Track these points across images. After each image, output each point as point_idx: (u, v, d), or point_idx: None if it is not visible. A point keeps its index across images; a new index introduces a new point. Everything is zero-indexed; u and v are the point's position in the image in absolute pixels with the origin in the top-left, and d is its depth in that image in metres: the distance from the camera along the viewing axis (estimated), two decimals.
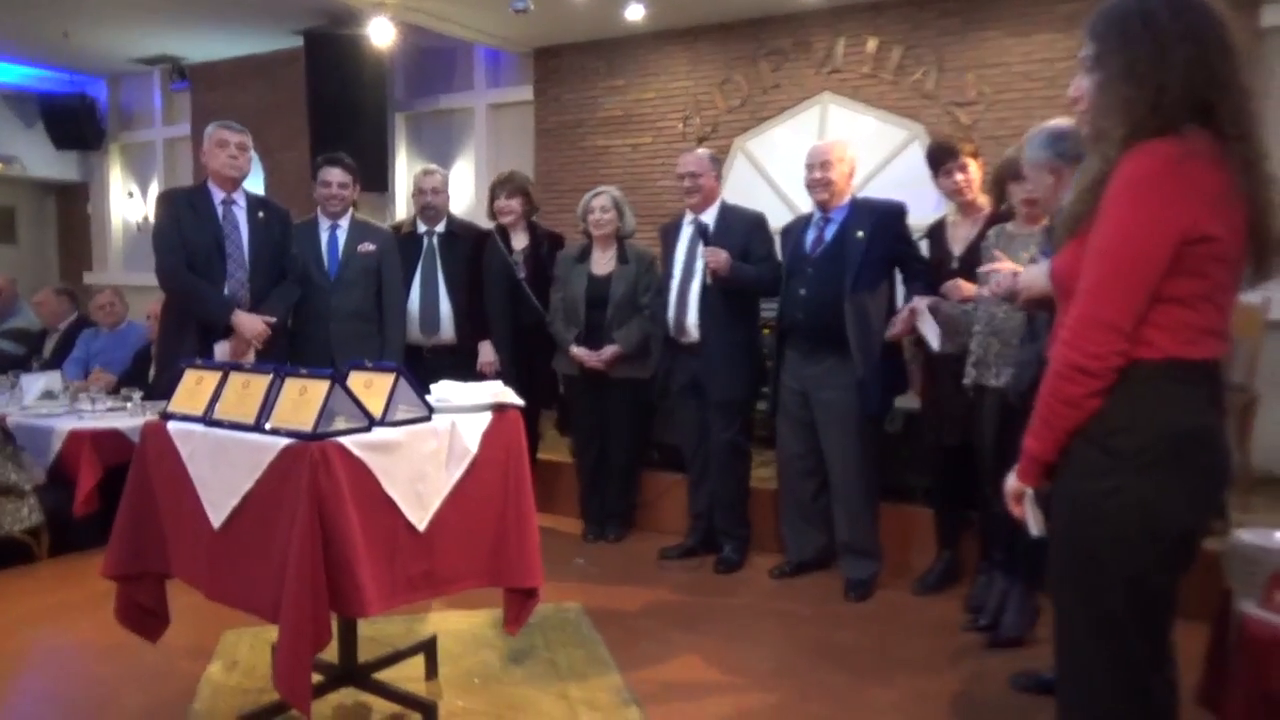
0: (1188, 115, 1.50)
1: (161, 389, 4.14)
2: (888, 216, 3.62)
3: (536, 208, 4.54)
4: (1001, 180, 3.16)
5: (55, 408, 4.31)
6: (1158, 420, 1.52)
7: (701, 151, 4.09)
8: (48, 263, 9.36)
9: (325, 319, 4.02)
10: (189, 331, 3.74)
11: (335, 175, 4.12)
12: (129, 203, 8.76)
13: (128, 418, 4.08)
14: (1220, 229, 1.49)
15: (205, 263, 3.74)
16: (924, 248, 3.72)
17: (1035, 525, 1.67)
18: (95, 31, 6.84)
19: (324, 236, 4.12)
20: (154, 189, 8.38)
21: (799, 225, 3.83)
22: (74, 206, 9.22)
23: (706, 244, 3.79)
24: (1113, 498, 1.53)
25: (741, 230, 3.90)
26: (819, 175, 3.63)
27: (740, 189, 5.41)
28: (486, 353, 4.33)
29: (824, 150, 3.67)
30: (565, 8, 5.37)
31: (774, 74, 5.73)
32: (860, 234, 3.56)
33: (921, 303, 3.31)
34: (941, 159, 3.48)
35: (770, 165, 5.76)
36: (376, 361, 2.64)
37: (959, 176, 3.43)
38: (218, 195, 3.81)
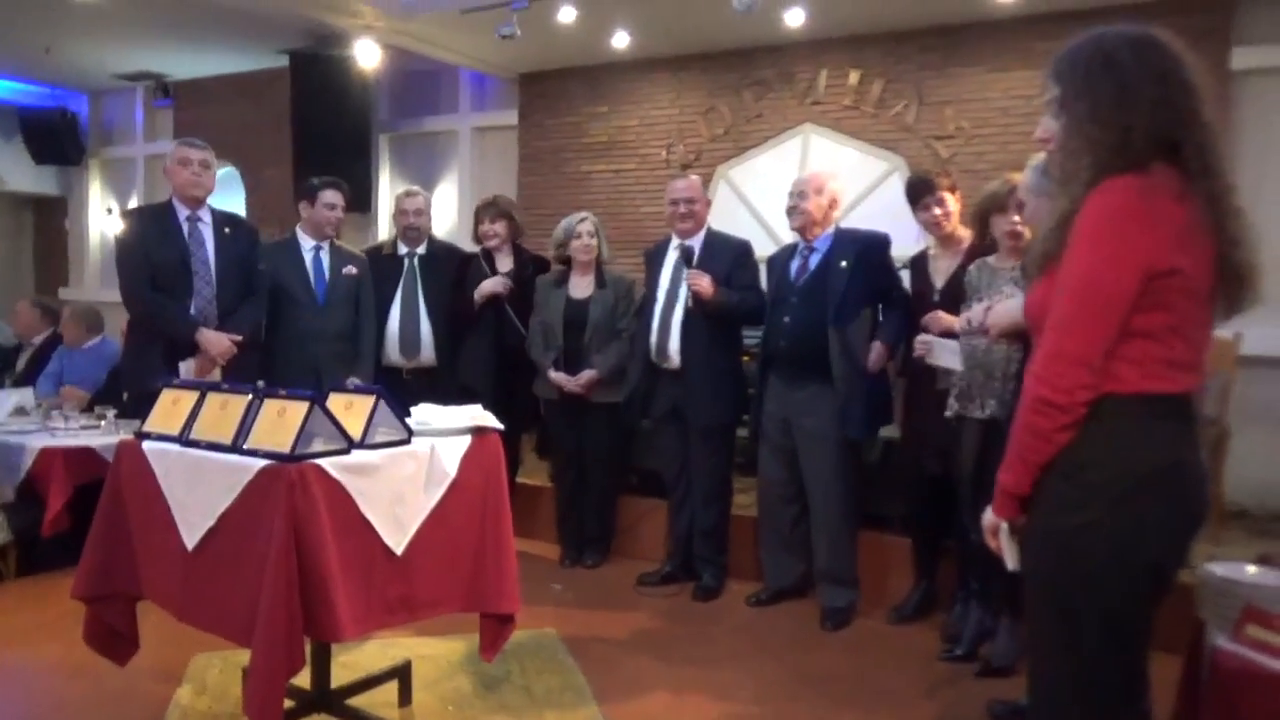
0: (1154, 154, 1.52)
1: (130, 408, 4.10)
2: (871, 247, 3.66)
3: (521, 231, 4.55)
4: (984, 214, 3.19)
5: (27, 425, 4.24)
6: (1128, 455, 1.52)
7: (695, 178, 4.11)
8: (23, 277, 9.26)
9: (314, 341, 4.00)
10: (155, 350, 3.71)
11: (338, 198, 4.16)
12: (107, 219, 8.69)
13: (100, 436, 4.02)
14: (1186, 262, 1.50)
15: (171, 280, 3.72)
16: (905, 278, 3.76)
17: (1011, 559, 1.68)
18: (78, 47, 6.82)
19: (308, 258, 4.11)
20: (133, 205, 8.33)
21: (785, 254, 3.86)
22: (51, 221, 9.14)
23: (689, 267, 3.81)
24: (1084, 532, 1.53)
25: (726, 257, 3.92)
26: (793, 204, 3.69)
27: (723, 217, 5.44)
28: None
29: (803, 180, 3.73)
30: (551, 34, 5.41)
31: (757, 104, 5.80)
32: (844, 263, 3.60)
33: (931, 335, 3.18)
34: (920, 193, 3.53)
35: (752, 194, 5.81)
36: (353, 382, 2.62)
37: (937, 210, 3.47)
38: (183, 212, 3.80)
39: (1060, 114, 1.62)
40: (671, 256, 4.01)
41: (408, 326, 4.34)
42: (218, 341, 3.69)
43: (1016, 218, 3.01)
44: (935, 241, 3.60)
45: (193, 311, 3.72)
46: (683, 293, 3.87)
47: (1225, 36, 4.56)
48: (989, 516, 1.69)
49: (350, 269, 4.16)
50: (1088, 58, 1.58)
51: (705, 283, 3.74)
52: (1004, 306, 2.56)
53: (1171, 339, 1.53)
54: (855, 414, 3.57)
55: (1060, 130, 1.63)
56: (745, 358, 4.14)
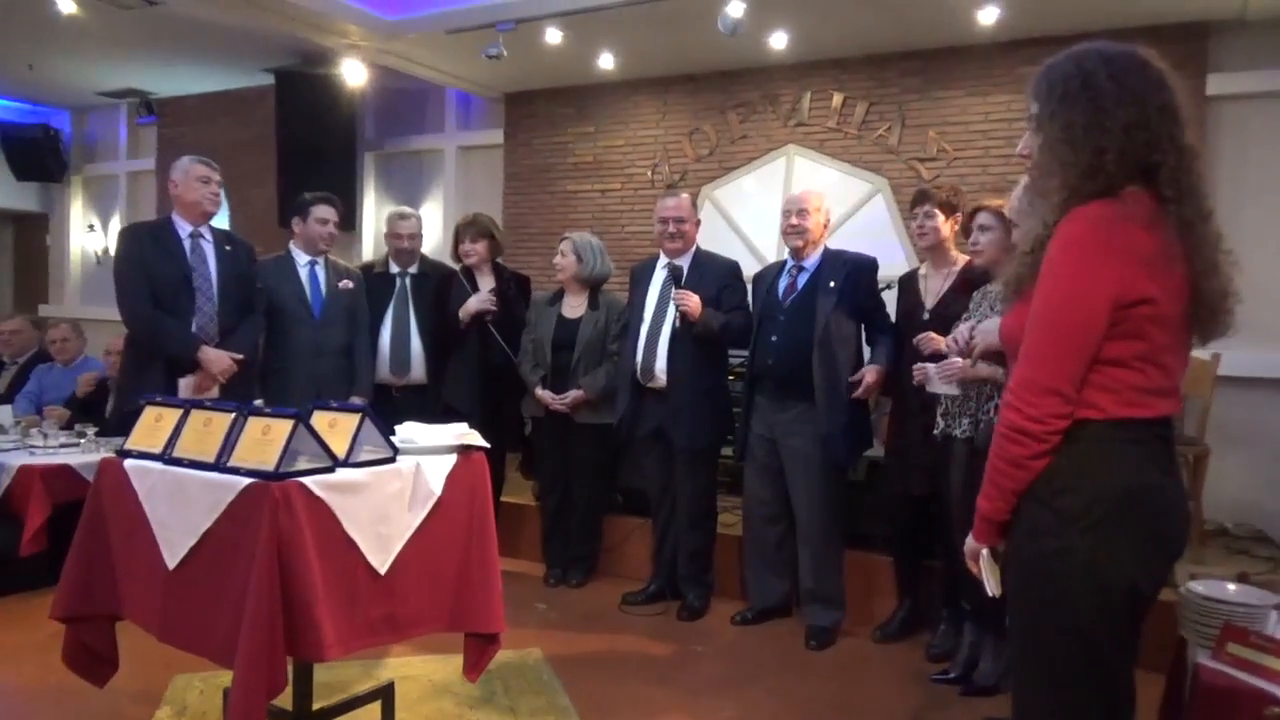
0: (1128, 177, 1.52)
1: (118, 424, 4.06)
2: (860, 269, 3.67)
3: (502, 250, 4.55)
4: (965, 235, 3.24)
5: (4, 443, 4.20)
6: (1102, 480, 1.52)
7: (684, 196, 4.06)
8: (3, 294, 9.19)
9: (312, 356, 4.00)
10: (154, 367, 3.68)
11: (331, 214, 4.16)
12: (89, 235, 8.65)
13: (80, 454, 3.98)
14: (1156, 290, 1.50)
15: (172, 297, 3.70)
16: (891, 297, 3.78)
17: (991, 585, 1.68)
18: (62, 63, 6.80)
19: (304, 274, 4.10)
20: (115, 222, 8.30)
21: (772, 272, 3.86)
22: (32, 237, 9.08)
23: (678, 287, 3.82)
24: (1060, 558, 1.53)
25: (715, 278, 3.90)
26: (795, 222, 3.68)
27: (707, 237, 5.44)
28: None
29: (801, 199, 3.72)
30: (538, 55, 5.45)
31: (741, 125, 5.85)
32: (832, 284, 3.61)
33: (929, 367, 3.14)
34: (915, 203, 3.56)
35: (737, 214, 5.85)
36: (342, 401, 2.61)
37: (925, 223, 3.49)
38: (184, 229, 3.79)
39: (1037, 132, 1.63)
40: (659, 276, 4.01)
41: (398, 344, 4.34)
42: (219, 359, 3.68)
43: (975, 238, 3.09)
44: (927, 261, 3.62)
45: (194, 329, 3.71)
46: (670, 312, 3.86)
47: (1201, 64, 4.64)
48: (970, 542, 1.69)
49: (346, 283, 4.17)
50: (1065, 77, 1.58)
51: (693, 303, 3.74)
52: (984, 327, 2.58)
53: (1145, 366, 1.53)
54: (836, 439, 3.57)
55: (1035, 149, 1.63)
56: (730, 377, 4.14)
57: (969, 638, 3.23)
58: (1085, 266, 1.50)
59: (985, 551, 1.67)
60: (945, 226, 3.47)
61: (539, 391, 4.16)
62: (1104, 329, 1.50)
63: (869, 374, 3.56)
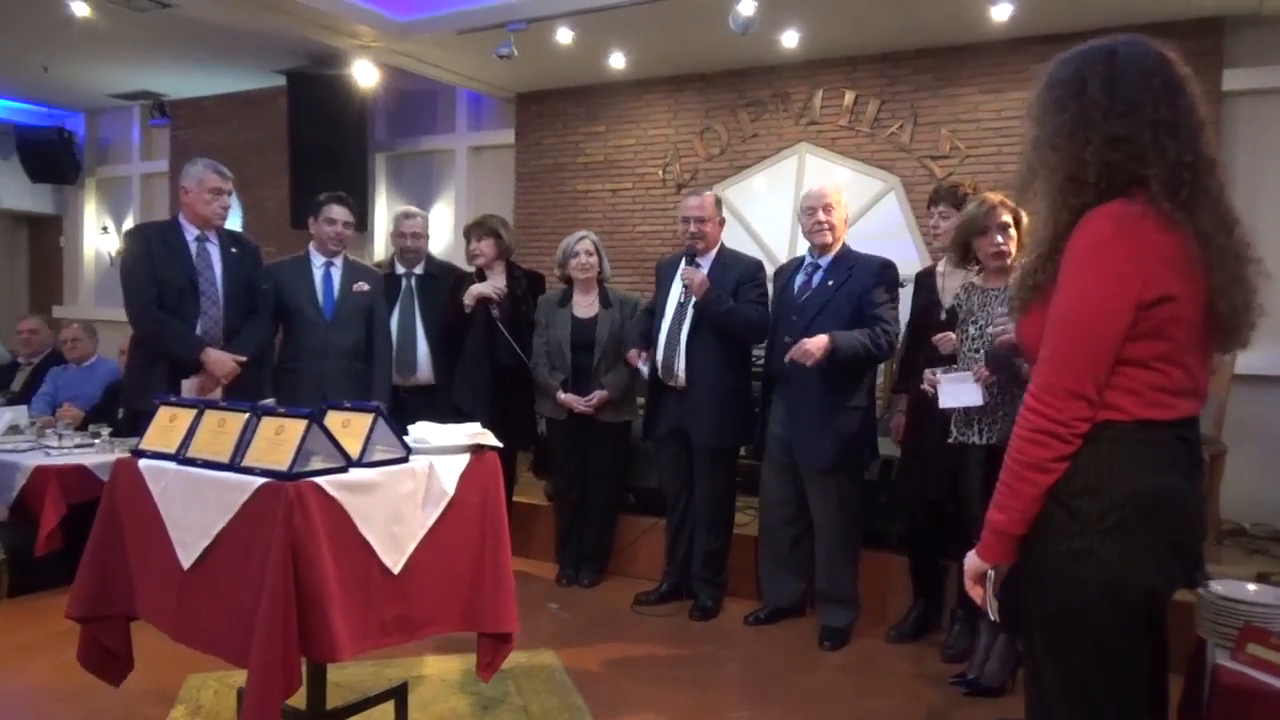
0: (1119, 189, 1.50)
1: (126, 426, 4.09)
2: (865, 271, 3.58)
3: (511, 249, 4.54)
4: (965, 237, 3.12)
5: (20, 443, 4.22)
6: (1121, 483, 1.50)
7: (708, 195, 3.97)
8: (17, 295, 9.25)
9: (320, 357, 3.99)
10: (158, 368, 3.72)
11: (341, 214, 4.14)
12: (102, 237, 8.71)
13: (95, 454, 4.01)
14: (1178, 288, 1.48)
15: (177, 299, 3.73)
16: (906, 294, 3.75)
17: (994, 610, 1.61)
18: (76, 66, 6.84)
19: (318, 274, 4.10)
20: (129, 224, 8.34)
21: (790, 268, 3.82)
22: (46, 239, 9.15)
23: (690, 264, 3.78)
24: (1077, 560, 1.50)
25: (735, 273, 3.84)
26: (821, 218, 3.60)
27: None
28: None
29: (823, 194, 3.64)
30: (549, 54, 5.45)
31: (753, 124, 5.83)
32: (830, 282, 3.58)
33: (935, 375, 3.12)
34: (933, 200, 3.53)
35: (749, 213, 5.83)
36: (357, 401, 2.61)
37: (941, 223, 3.46)
38: (191, 232, 3.81)
39: (1029, 127, 1.62)
40: (680, 271, 3.97)
41: (405, 345, 4.34)
42: (223, 362, 3.70)
43: (1000, 238, 3.03)
44: (946, 259, 3.57)
45: (199, 332, 3.73)
46: (691, 312, 3.82)
47: (1217, 59, 4.61)
48: (974, 561, 1.62)
49: (362, 285, 4.15)
50: (1064, 80, 1.57)
51: (698, 277, 3.70)
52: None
53: (1167, 367, 1.51)
54: (817, 442, 3.52)
55: (1027, 142, 1.63)
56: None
57: (984, 639, 3.21)
58: (1107, 266, 1.47)
59: (991, 573, 1.61)
60: None
61: (562, 395, 4.13)
62: (1126, 330, 1.48)
63: (809, 341, 3.42)
